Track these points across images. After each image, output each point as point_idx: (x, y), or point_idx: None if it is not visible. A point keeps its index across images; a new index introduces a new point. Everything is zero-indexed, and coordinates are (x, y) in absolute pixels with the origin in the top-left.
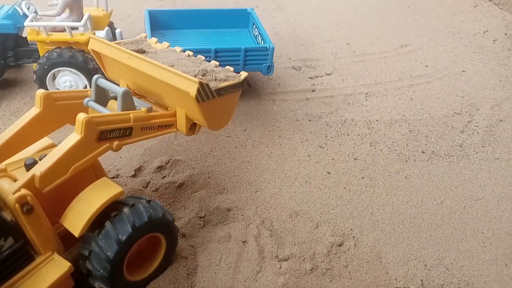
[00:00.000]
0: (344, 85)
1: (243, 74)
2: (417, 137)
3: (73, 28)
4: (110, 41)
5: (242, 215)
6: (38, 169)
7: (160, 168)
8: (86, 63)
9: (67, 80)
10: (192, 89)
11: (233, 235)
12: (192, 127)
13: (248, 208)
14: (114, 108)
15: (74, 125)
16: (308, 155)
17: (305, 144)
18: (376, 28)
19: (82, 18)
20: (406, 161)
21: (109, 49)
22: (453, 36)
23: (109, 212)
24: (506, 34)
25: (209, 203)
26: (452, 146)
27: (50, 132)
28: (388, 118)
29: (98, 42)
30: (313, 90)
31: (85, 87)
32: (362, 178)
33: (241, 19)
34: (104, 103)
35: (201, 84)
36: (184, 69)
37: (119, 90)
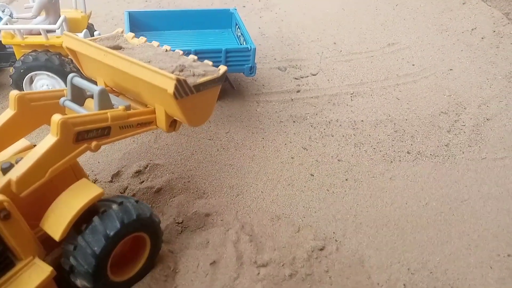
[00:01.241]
0: (329, 85)
1: (222, 68)
2: (402, 137)
3: (49, 31)
4: None
5: (222, 220)
6: (14, 174)
7: (138, 172)
8: (63, 66)
9: (44, 84)
10: (170, 86)
11: (211, 240)
12: (173, 123)
13: (228, 212)
14: (91, 107)
15: (50, 125)
16: (292, 157)
17: (288, 145)
18: (363, 27)
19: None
20: (391, 162)
21: (84, 46)
22: (441, 34)
23: (96, 209)
24: (494, 31)
25: (188, 208)
26: (438, 146)
27: (26, 134)
28: (373, 118)
29: (72, 39)
30: (298, 91)
31: None
32: (346, 179)
33: (224, 19)
34: (81, 102)
35: (178, 80)
36: (162, 65)
37: (95, 89)
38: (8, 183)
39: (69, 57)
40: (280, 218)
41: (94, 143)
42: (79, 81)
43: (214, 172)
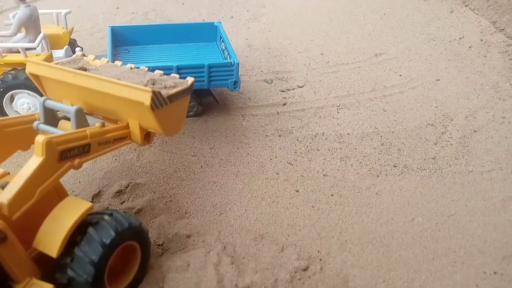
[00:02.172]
0: (316, 97)
1: (190, 79)
2: (389, 150)
3: (28, 49)
4: None
5: (203, 241)
6: (5, 197)
7: (119, 192)
8: None
9: (25, 103)
10: (146, 98)
11: (192, 263)
12: (146, 136)
13: (210, 233)
14: (65, 127)
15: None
16: (277, 173)
17: (274, 161)
18: (351, 37)
19: None
20: (378, 176)
21: (50, 71)
22: (428, 43)
23: (88, 221)
24: (482, 40)
25: (169, 230)
26: (425, 159)
27: (1, 161)
28: (359, 131)
29: (36, 65)
30: (284, 104)
31: None
32: (332, 195)
33: (208, 32)
34: (54, 124)
35: (154, 92)
36: (131, 81)
37: (71, 109)
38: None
39: None
40: (263, 237)
41: (76, 161)
42: (52, 104)
43: (197, 190)
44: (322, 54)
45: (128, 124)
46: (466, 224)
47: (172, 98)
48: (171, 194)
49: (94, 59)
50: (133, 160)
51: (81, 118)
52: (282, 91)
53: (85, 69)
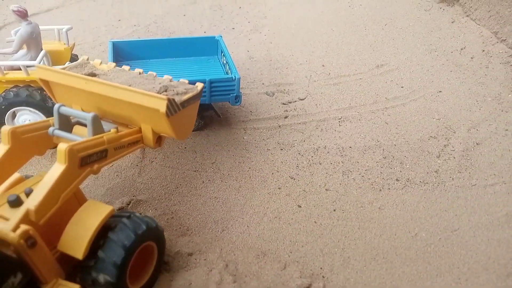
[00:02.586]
0: (317, 110)
1: (199, 85)
2: (391, 163)
3: (29, 66)
4: None
5: (205, 259)
6: (32, 203)
7: (121, 210)
8: (45, 102)
9: (27, 119)
10: (162, 105)
11: (194, 282)
12: (158, 140)
13: (212, 250)
14: (80, 133)
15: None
16: (279, 187)
17: (275, 175)
18: (352, 48)
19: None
20: (380, 190)
21: (60, 77)
22: (430, 54)
23: (108, 224)
24: (484, 50)
25: (171, 248)
26: (427, 173)
27: (19, 167)
28: (361, 144)
29: (46, 71)
30: (286, 117)
31: None
32: (334, 210)
33: (209, 46)
34: (68, 130)
35: (169, 100)
36: (143, 87)
37: (87, 115)
38: (27, 213)
39: None
40: (266, 254)
41: (95, 166)
42: (67, 110)
43: (199, 206)
44: (323, 65)
45: (140, 128)
46: (470, 239)
47: (184, 104)
48: (173, 210)
49: (101, 63)
50: (134, 176)
51: (97, 124)
52: (283, 103)
53: (94, 75)
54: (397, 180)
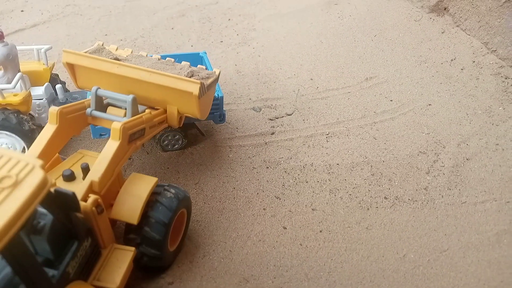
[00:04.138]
0: (304, 125)
1: (217, 71)
2: (379, 181)
3: (4, 89)
4: (51, 98)
5: None
6: (96, 176)
7: None
8: (21, 125)
9: (3, 143)
10: (195, 89)
11: None
12: (179, 120)
13: (192, 278)
14: (114, 113)
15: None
16: (264, 208)
17: (260, 195)
18: (341, 61)
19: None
20: (368, 209)
21: (91, 61)
22: (419, 65)
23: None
24: (474, 61)
25: (152, 276)
26: (416, 190)
27: (62, 146)
28: (349, 161)
29: (75, 55)
30: (273, 133)
31: (23, 149)
32: (320, 231)
33: (194, 62)
34: (103, 111)
35: (201, 84)
36: (171, 72)
37: (127, 97)
38: (91, 184)
39: (28, 114)
40: (248, 281)
41: (138, 143)
42: (105, 93)
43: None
44: (311, 79)
45: (165, 110)
46: (459, 260)
47: (209, 87)
48: None
49: (117, 49)
50: None
51: (135, 105)
52: (270, 119)
53: (118, 59)
54: (385, 198)
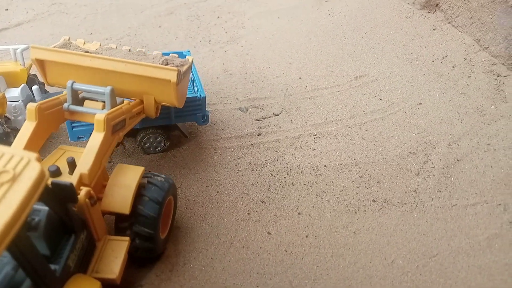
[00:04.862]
0: (292, 126)
1: (190, 58)
2: (368, 183)
3: None
4: (27, 99)
5: None
6: (85, 168)
7: None
8: None
9: None
10: (173, 76)
11: None
12: (157, 111)
13: (171, 287)
14: (92, 107)
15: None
16: (248, 213)
17: (245, 199)
18: (330, 59)
19: None
20: (356, 212)
21: (61, 56)
22: (410, 63)
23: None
24: (466, 59)
25: (127, 284)
26: (406, 192)
27: (43, 143)
28: (337, 162)
29: (44, 51)
30: (259, 134)
31: None
32: (306, 236)
33: None
34: (80, 105)
35: (178, 71)
36: (145, 62)
37: (105, 89)
38: (81, 177)
39: (3, 116)
40: None
41: (121, 133)
42: (81, 86)
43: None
44: (300, 78)
45: (141, 100)
46: (449, 266)
47: (184, 74)
48: None
49: (84, 42)
50: None
51: (113, 97)
52: (257, 120)
53: (88, 52)
54: (373, 201)
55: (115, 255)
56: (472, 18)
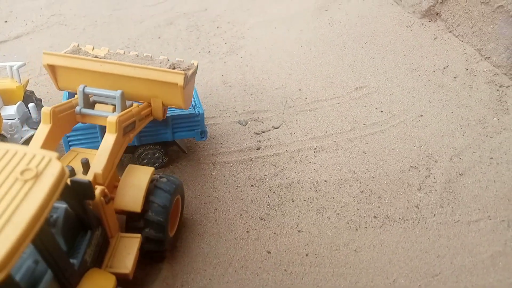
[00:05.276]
0: (292, 139)
1: (195, 62)
2: (369, 198)
3: None
4: (24, 117)
5: None
6: (98, 168)
7: None
8: None
9: None
10: (180, 79)
11: None
12: (164, 113)
13: None
14: (103, 110)
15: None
16: (247, 231)
17: (244, 216)
18: (330, 70)
19: None
20: (357, 229)
21: (72, 61)
22: (411, 74)
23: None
24: (467, 69)
25: None
26: (407, 208)
27: (57, 145)
28: (337, 177)
29: (56, 56)
30: (259, 148)
31: None
32: (306, 255)
33: None
34: (91, 108)
35: (185, 75)
36: (153, 66)
37: (116, 93)
38: (95, 177)
39: None
40: None
41: (131, 135)
42: (92, 90)
43: (149, 263)
44: (300, 89)
45: (149, 103)
46: (452, 285)
47: (191, 78)
48: None
49: (93, 48)
50: None
51: (124, 100)
52: (256, 133)
53: (97, 58)
54: (374, 217)
55: (128, 251)
56: (473, 28)
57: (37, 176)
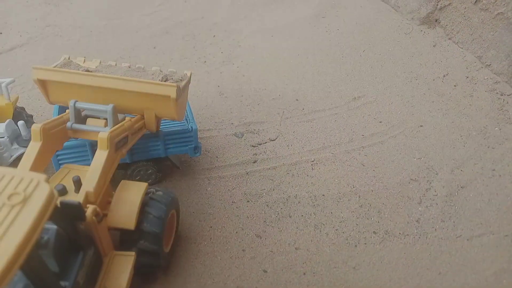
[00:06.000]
0: (289, 152)
1: (188, 72)
2: (368, 213)
3: None
4: (13, 135)
5: None
6: (89, 186)
7: None
8: None
9: None
10: (172, 92)
11: None
12: (157, 125)
13: None
14: (95, 124)
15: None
16: (243, 249)
17: (240, 234)
18: (328, 79)
19: None
20: (356, 246)
21: (63, 75)
22: (410, 82)
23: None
24: (468, 77)
25: None
26: (408, 222)
27: (48, 162)
28: (336, 191)
29: (46, 71)
30: (255, 161)
31: None
32: (304, 274)
33: None
34: (83, 123)
35: (177, 87)
36: (145, 78)
37: (107, 107)
38: (87, 195)
39: None
40: None
41: (124, 150)
42: (83, 105)
43: (149, 282)
44: (297, 99)
45: (142, 116)
46: None
47: (184, 89)
48: None
49: (84, 60)
50: None
51: (115, 114)
52: (252, 146)
53: (88, 71)
54: (374, 232)
55: (122, 270)
56: (473, 35)
57: (24, 201)
